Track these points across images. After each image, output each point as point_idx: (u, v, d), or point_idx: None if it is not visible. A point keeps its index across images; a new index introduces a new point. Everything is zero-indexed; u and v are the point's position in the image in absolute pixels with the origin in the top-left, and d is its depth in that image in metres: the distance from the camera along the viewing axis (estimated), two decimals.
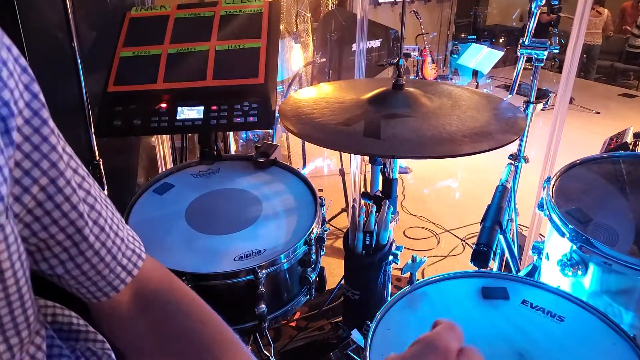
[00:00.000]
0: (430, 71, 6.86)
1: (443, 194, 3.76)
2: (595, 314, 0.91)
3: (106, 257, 0.51)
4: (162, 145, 1.86)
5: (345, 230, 1.20)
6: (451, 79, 7.14)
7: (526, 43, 1.44)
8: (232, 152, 2.01)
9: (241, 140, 3.31)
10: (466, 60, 5.69)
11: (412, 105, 1.20)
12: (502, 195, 1.09)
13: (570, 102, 6.29)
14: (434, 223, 3.41)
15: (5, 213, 0.39)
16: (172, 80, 1.33)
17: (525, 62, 1.52)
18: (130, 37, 1.43)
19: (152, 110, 1.30)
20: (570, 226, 1.03)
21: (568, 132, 5.48)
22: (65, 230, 0.47)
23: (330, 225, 3.26)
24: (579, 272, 1.00)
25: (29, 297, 0.45)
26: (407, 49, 4.99)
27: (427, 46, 6.74)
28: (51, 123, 0.44)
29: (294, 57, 3.07)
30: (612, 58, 8.11)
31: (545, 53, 1.42)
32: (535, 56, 1.44)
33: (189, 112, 1.29)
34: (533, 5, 1.38)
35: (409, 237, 3.29)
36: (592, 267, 1.00)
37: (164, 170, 1.64)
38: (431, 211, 3.52)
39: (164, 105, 1.30)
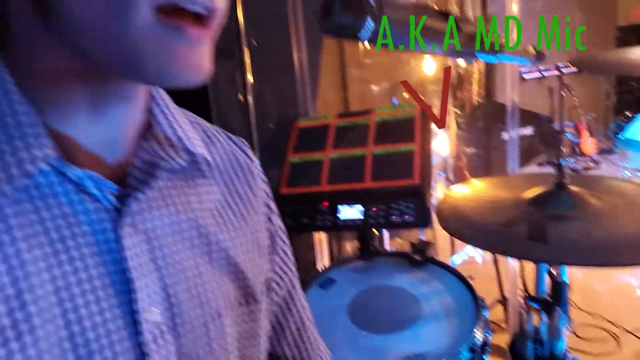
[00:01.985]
0: (589, 146, 6.35)
1: (621, 290, 3.31)
2: None
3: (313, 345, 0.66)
4: (321, 240, 2.02)
5: (508, 331, 1.15)
6: (617, 154, 6.51)
7: None
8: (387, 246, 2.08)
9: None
10: (634, 134, 5.17)
11: (578, 205, 1.15)
12: None
13: None
14: (611, 322, 3.00)
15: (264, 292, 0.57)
16: (334, 182, 1.47)
17: None
18: (298, 144, 1.64)
19: (317, 210, 1.44)
20: None
21: None
22: (295, 320, 0.65)
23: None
24: None
25: None
26: (564, 125, 4.72)
27: (583, 119, 6.30)
28: None
29: (439, 144, 3.14)
30: None
31: None
32: None
33: (350, 212, 1.41)
34: None
35: (581, 338, 2.92)
36: None
37: (322, 264, 1.77)
38: (608, 310, 3.11)
39: (326, 204, 1.44)
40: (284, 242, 0.64)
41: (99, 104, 0.43)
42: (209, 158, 0.52)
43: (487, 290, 3.17)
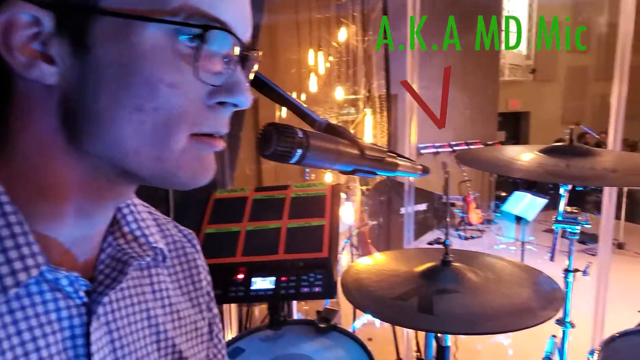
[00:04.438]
0: (476, 216, 7.03)
1: (495, 347, 3.67)
2: None
3: None
4: (230, 309, 2.05)
5: None
6: (497, 223, 7.26)
7: (559, 218, 1.61)
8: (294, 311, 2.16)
9: None
10: (511, 207, 5.86)
11: (460, 280, 1.36)
12: None
13: (622, 248, 6.19)
14: None
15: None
16: (248, 254, 1.56)
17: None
18: (215, 216, 1.71)
19: (230, 281, 1.51)
20: None
21: (622, 278, 5.32)
22: None
23: None
24: None
25: None
26: (452, 199, 5.24)
27: (471, 193, 7.01)
28: None
29: (346, 214, 3.37)
30: None
31: (578, 227, 1.58)
32: (569, 230, 1.59)
33: (262, 283, 1.49)
34: (561, 190, 1.57)
35: None
36: None
37: (230, 334, 1.80)
38: None
39: (240, 276, 1.51)
40: (219, 328, 0.68)
41: (87, 210, 0.47)
42: (165, 251, 0.57)
43: (385, 352, 3.34)
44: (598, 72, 10.02)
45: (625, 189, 6.44)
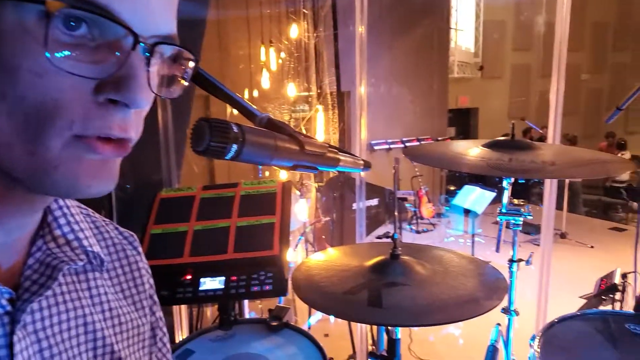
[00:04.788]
0: (427, 210, 7.20)
1: (448, 340, 3.77)
2: None
3: None
4: (180, 311, 2.00)
5: None
6: (448, 216, 7.47)
7: (503, 210, 1.66)
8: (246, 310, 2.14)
9: None
10: (460, 201, 6.03)
11: (408, 273, 1.38)
12: (493, 356, 1.21)
13: (564, 237, 6.51)
14: None
15: None
16: (196, 254, 1.52)
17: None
18: (160, 215, 1.66)
19: (177, 282, 1.47)
20: None
21: (565, 266, 5.58)
22: None
23: None
24: None
25: None
26: (403, 194, 5.34)
27: (422, 187, 7.17)
28: None
29: (300, 210, 3.36)
30: (597, 192, 8.57)
31: (521, 219, 1.64)
32: (513, 221, 1.65)
33: (212, 283, 1.46)
34: (505, 183, 1.63)
35: None
36: None
37: (181, 336, 1.76)
38: (440, 357, 3.50)
39: (188, 277, 1.48)
40: (163, 332, 0.66)
41: (1, 215, 0.44)
42: (102, 254, 0.55)
43: (341, 347, 3.36)
44: (540, 69, 10.50)
45: (566, 182, 6.78)
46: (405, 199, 5.53)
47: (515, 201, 1.70)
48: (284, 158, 0.63)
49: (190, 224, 1.60)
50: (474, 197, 5.97)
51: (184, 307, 2.11)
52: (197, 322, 1.95)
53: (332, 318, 3.38)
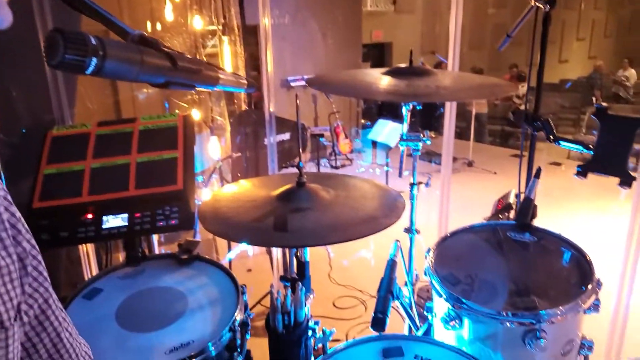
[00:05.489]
0: (344, 146, 7.36)
1: (362, 263, 4.02)
2: (469, 358, 1.12)
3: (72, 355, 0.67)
4: (87, 250, 1.94)
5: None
6: (365, 152, 7.70)
7: (403, 137, 1.74)
8: (156, 245, 2.12)
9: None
10: (375, 135, 6.22)
11: (313, 199, 1.42)
12: (392, 269, 1.31)
13: (471, 165, 6.99)
14: (360, 290, 3.61)
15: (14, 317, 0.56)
16: (96, 192, 1.46)
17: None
18: (53, 155, 1.56)
19: (78, 222, 1.41)
20: (445, 289, 1.27)
21: (472, 192, 6.01)
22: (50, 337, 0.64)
23: (261, 305, 3.34)
24: (457, 325, 1.22)
25: None
26: (320, 130, 5.39)
27: (339, 123, 7.27)
28: None
29: (212, 148, 3.29)
30: (501, 123, 9.20)
31: (420, 144, 1.73)
32: (413, 147, 1.74)
33: (114, 221, 1.42)
34: (404, 110, 1.69)
35: (338, 308, 3.44)
36: (465, 320, 1.23)
37: (89, 274, 1.72)
38: (356, 280, 3.73)
39: (89, 216, 1.42)
40: (38, 261, 0.64)
41: None
42: None
43: (263, 280, 3.47)
44: (449, 3, 10.69)
45: (473, 113, 7.19)
46: (321, 135, 5.60)
47: (423, 132, 1.78)
48: (154, 74, 0.61)
49: (86, 162, 1.53)
50: (387, 130, 6.18)
51: (91, 252, 2.05)
52: (106, 264, 1.91)
53: (250, 251, 3.46)
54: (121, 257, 2.31)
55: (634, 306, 2.10)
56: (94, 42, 0.50)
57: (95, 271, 1.99)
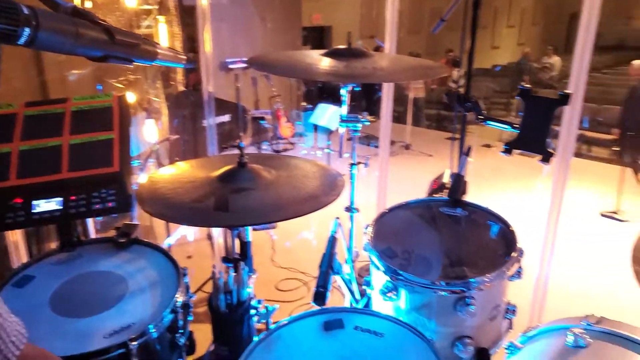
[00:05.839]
0: (286, 130, 7.34)
1: (304, 244, 4.07)
2: (405, 326, 1.19)
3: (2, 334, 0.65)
4: (16, 239, 1.84)
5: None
6: (307, 135, 7.72)
7: (343, 118, 1.78)
8: (92, 233, 2.05)
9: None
10: (316, 119, 6.26)
11: (254, 179, 1.43)
12: (332, 245, 1.35)
13: (408, 148, 7.21)
14: (303, 272, 3.66)
15: None
16: (25, 176, 1.39)
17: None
18: None
19: (6, 207, 1.34)
20: (383, 262, 1.33)
21: (409, 173, 6.19)
22: None
23: (202, 291, 3.31)
24: (394, 297, 1.29)
25: None
26: (261, 113, 5.35)
27: (280, 107, 7.23)
28: None
29: (148, 131, 3.19)
30: (437, 107, 9.53)
31: (360, 125, 1.78)
32: (352, 128, 1.78)
33: (47, 205, 1.36)
34: (343, 91, 1.73)
35: (281, 290, 3.48)
36: (402, 291, 1.30)
37: (19, 262, 1.64)
38: (299, 262, 3.77)
39: (18, 200, 1.36)
40: None
41: None
42: None
43: (205, 266, 3.43)
44: None
45: (410, 98, 7.39)
46: (262, 118, 5.56)
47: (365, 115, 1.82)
48: (91, 47, 0.60)
49: (13, 144, 1.45)
50: (329, 114, 6.23)
51: (21, 240, 1.94)
52: (38, 250, 1.82)
53: (190, 237, 3.40)
54: (54, 245, 2.22)
55: (553, 275, 2.29)
56: (26, 11, 0.49)
57: (25, 257, 1.90)
